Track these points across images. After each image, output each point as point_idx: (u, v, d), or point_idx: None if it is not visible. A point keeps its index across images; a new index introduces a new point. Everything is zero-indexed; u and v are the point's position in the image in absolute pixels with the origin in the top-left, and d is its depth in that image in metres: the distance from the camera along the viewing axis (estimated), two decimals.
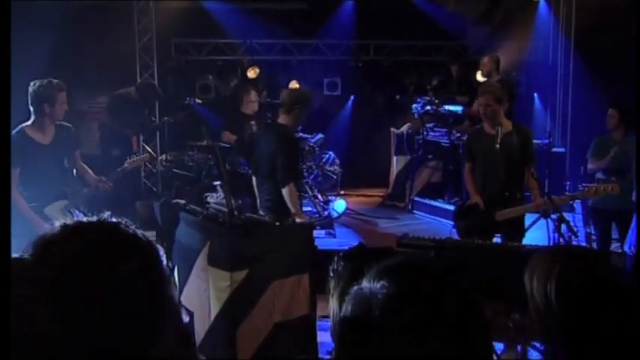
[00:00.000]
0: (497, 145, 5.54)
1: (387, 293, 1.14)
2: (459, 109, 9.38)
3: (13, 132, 5.19)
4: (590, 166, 6.62)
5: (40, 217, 5.25)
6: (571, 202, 7.25)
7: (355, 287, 1.19)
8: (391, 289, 1.14)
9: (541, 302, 1.89)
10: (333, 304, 1.53)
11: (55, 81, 5.26)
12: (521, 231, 5.74)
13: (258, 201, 6.03)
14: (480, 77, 9.02)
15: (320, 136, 9.33)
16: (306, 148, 8.84)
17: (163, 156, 8.99)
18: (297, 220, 5.71)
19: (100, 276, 1.10)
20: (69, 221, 1.21)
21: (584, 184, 6.15)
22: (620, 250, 6.52)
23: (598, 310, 1.83)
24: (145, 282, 1.14)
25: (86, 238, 1.15)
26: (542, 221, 5.83)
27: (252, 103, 8.59)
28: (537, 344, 4.58)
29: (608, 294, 1.86)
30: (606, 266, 2.00)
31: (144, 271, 1.15)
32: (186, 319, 4.36)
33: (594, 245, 6.70)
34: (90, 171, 5.70)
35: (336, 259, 1.95)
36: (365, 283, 1.18)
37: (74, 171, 5.64)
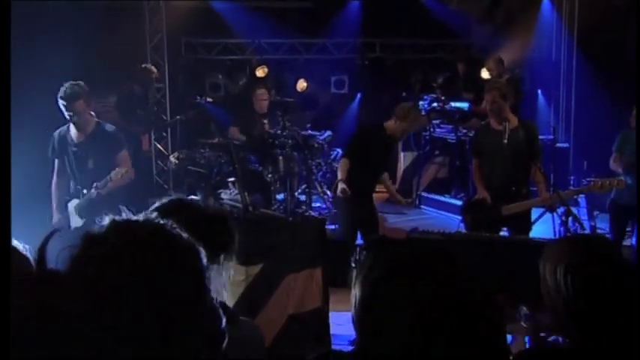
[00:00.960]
0: (505, 141, 5.64)
1: (404, 279, 1.21)
2: (465, 105, 9.50)
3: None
4: (612, 163, 6.46)
5: (64, 209, 5.60)
6: (575, 197, 7.33)
7: (374, 274, 1.25)
8: (408, 275, 1.21)
9: (552, 286, 1.93)
10: (354, 292, 1.54)
11: (71, 89, 5.32)
12: (528, 225, 5.83)
13: None
14: (485, 75, 9.15)
15: (328, 133, 9.44)
16: (315, 145, 8.96)
17: (175, 153, 9.11)
18: (338, 184, 6.04)
19: (138, 273, 1.14)
20: (118, 218, 1.26)
21: (588, 179, 6.25)
22: (627, 243, 6.63)
23: (606, 295, 1.86)
24: (183, 282, 1.17)
25: (131, 235, 1.20)
26: (548, 215, 5.94)
27: (262, 101, 8.72)
28: (545, 335, 4.69)
29: (617, 279, 1.89)
30: (616, 253, 2.01)
31: (183, 272, 1.19)
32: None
33: None
34: (119, 174, 5.48)
35: (358, 249, 2.02)
36: (383, 271, 1.25)
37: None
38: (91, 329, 1.04)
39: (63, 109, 5.33)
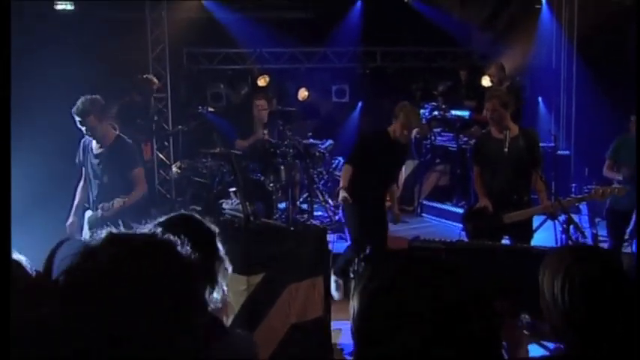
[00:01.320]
0: (506, 149, 5.65)
1: (403, 290, 1.20)
2: (465, 114, 9.53)
3: None
4: (606, 170, 6.52)
5: (81, 214, 5.67)
6: (577, 204, 7.33)
7: (373, 285, 1.24)
8: (407, 286, 1.21)
9: (549, 298, 1.95)
10: (353, 303, 1.52)
11: (82, 105, 5.32)
12: (529, 233, 5.83)
13: None
14: (485, 83, 9.18)
15: (330, 142, 9.48)
16: (317, 154, 9.00)
17: (177, 163, 9.13)
18: (340, 192, 6.10)
19: (133, 282, 1.16)
20: (114, 230, 1.30)
21: (589, 186, 6.26)
22: (629, 250, 6.64)
23: (605, 306, 1.88)
24: (177, 291, 1.19)
25: (126, 246, 1.23)
26: (550, 222, 5.94)
27: (261, 110, 8.75)
28: (546, 343, 4.70)
29: (615, 290, 1.90)
30: (613, 265, 2.02)
31: (177, 281, 1.20)
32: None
33: (605, 246, 6.79)
34: (131, 195, 5.46)
35: (356, 261, 2.03)
36: (382, 282, 1.24)
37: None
38: (85, 336, 1.07)
39: (77, 124, 5.37)
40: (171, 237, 1.29)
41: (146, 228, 1.82)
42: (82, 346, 1.08)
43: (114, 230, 1.29)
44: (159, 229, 1.41)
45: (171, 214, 2.11)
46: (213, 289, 1.94)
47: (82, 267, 1.19)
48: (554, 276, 1.96)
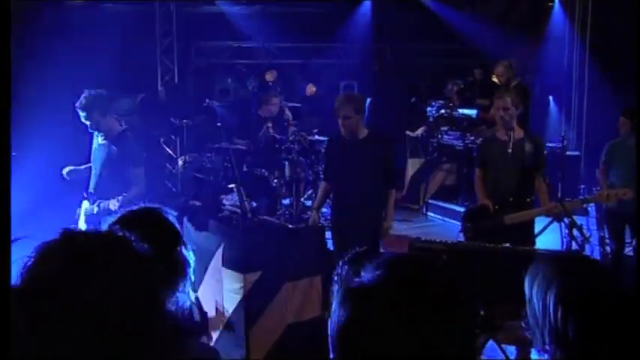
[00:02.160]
0: (510, 149, 5.57)
1: (385, 295, 1.19)
2: (472, 112, 9.44)
3: None
4: (600, 176, 6.52)
5: (83, 171, 5.66)
6: (585, 206, 7.23)
7: (355, 289, 1.23)
8: (387, 291, 1.19)
9: (539, 310, 1.90)
10: (335, 307, 1.55)
11: (85, 100, 5.27)
12: (531, 235, 5.72)
13: None
14: (496, 80, 9.08)
15: None
16: (322, 150, 8.94)
17: (183, 157, 9.13)
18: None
19: (91, 286, 1.12)
20: (72, 229, 1.25)
21: (597, 187, 6.16)
22: (632, 254, 6.55)
23: (598, 325, 1.83)
24: (137, 296, 1.15)
25: (82, 248, 1.18)
26: (556, 225, 5.84)
27: (270, 105, 8.71)
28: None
29: (609, 309, 1.85)
30: (609, 280, 1.97)
31: (138, 285, 1.16)
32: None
33: (608, 248, 6.71)
34: (127, 193, 5.31)
35: (340, 263, 2.00)
36: (364, 286, 1.22)
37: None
38: (39, 342, 1.05)
39: (82, 118, 5.33)
40: (127, 235, 1.24)
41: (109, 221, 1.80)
42: (38, 352, 1.06)
43: (69, 228, 1.25)
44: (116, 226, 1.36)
45: (132, 209, 2.05)
46: (176, 289, 1.89)
47: (36, 270, 1.14)
48: (548, 289, 1.91)
